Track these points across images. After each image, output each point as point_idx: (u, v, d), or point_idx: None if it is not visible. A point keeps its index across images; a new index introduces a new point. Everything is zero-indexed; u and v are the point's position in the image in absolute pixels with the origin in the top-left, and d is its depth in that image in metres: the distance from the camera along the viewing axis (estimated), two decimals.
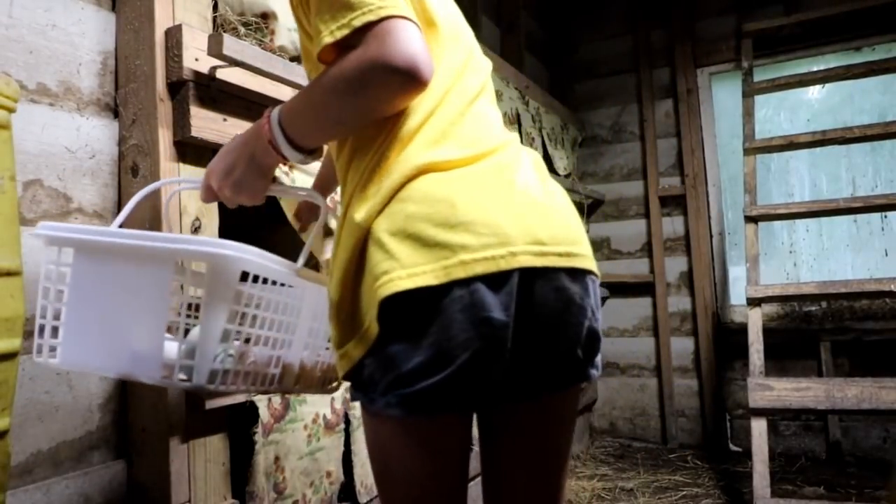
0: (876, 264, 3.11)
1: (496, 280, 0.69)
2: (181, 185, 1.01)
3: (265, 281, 0.81)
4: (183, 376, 0.77)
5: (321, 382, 1.01)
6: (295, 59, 1.63)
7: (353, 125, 0.76)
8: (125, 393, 1.29)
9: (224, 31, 1.38)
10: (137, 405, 1.27)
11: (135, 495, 1.26)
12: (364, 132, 0.77)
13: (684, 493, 2.58)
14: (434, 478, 0.76)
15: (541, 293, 0.72)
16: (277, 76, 1.39)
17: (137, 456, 1.26)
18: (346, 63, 0.69)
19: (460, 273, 0.67)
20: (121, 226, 0.90)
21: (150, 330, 0.74)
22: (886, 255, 3.09)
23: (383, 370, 0.71)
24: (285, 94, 1.50)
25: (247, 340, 0.85)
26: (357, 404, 1.57)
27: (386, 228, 0.71)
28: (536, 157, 0.86)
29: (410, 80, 0.68)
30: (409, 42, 0.68)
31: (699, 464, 2.96)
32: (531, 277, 0.71)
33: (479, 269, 0.68)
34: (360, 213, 0.73)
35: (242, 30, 1.46)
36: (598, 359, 0.81)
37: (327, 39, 0.71)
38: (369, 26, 0.68)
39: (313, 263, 1.24)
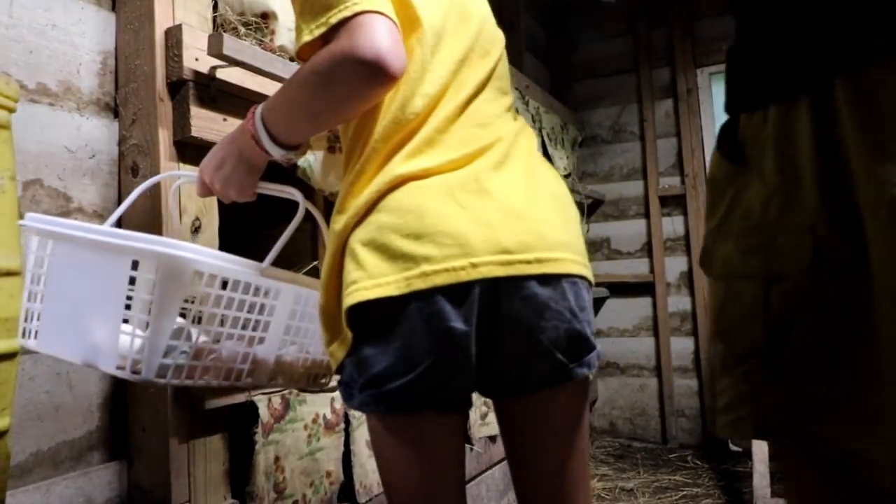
0: None
1: (457, 291, 0.71)
2: (180, 179, 1.02)
3: (227, 281, 0.84)
4: (133, 370, 0.79)
5: (308, 378, 1.04)
6: (294, 58, 1.63)
7: (326, 120, 0.78)
8: (125, 393, 1.29)
9: (224, 31, 1.38)
10: (137, 405, 1.27)
11: (134, 495, 1.26)
12: (353, 145, 0.79)
13: (684, 493, 2.58)
14: (421, 468, 0.78)
15: (507, 301, 0.74)
16: (277, 76, 1.39)
17: (137, 456, 1.26)
18: (318, 58, 0.71)
19: (420, 284, 0.70)
20: (118, 222, 0.92)
21: (108, 322, 0.77)
22: None
23: (359, 371, 0.76)
24: None
25: (216, 339, 0.87)
26: None
27: (360, 238, 0.75)
28: (531, 147, 0.86)
29: (377, 72, 0.69)
30: (377, 35, 0.69)
31: (699, 464, 2.96)
32: (496, 286, 0.73)
33: (440, 280, 0.70)
34: (339, 224, 0.77)
35: (242, 30, 1.46)
36: (591, 357, 0.81)
37: (306, 38, 0.73)
38: (343, 22, 0.70)
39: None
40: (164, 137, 1.27)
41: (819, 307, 0.66)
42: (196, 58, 1.29)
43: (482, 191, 0.76)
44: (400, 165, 0.75)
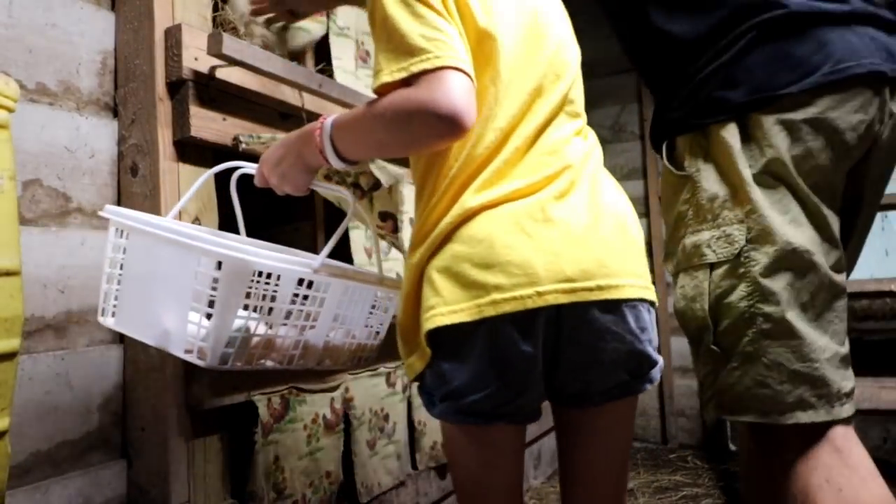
0: (876, 264, 3.11)
1: (524, 317, 0.78)
2: (240, 169, 1.05)
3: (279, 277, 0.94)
4: (199, 357, 0.87)
5: (353, 359, 1.14)
6: (294, 58, 1.63)
7: (392, 152, 0.89)
8: (124, 393, 1.29)
9: (223, 31, 1.37)
10: (136, 406, 1.27)
11: (134, 495, 1.26)
12: (425, 179, 0.86)
13: (684, 493, 2.57)
14: (488, 471, 0.88)
15: (570, 326, 0.81)
16: (277, 75, 1.39)
17: (137, 456, 1.26)
18: (398, 98, 0.77)
19: (491, 311, 0.78)
20: (179, 212, 1.07)
21: (177, 311, 0.85)
22: (887, 255, 3.10)
23: (438, 383, 0.84)
24: (285, 93, 1.50)
25: (269, 326, 0.95)
26: (356, 404, 1.66)
27: (436, 266, 0.82)
28: (598, 169, 0.93)
29: (451, 127, 0.75)
30: (454, 93, 0.74)
31: (699, 464, 2.96)
32: (560, 312, 0.80)
33: (508, 308, 0.77)
34: (415, 257, 0.85)
35: (242, 29, 1.46)
36: (653, 372, 0.91)
37: (386, 78, 0.78)
38: (425, 72, 0.75)
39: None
40: (164, 137, 1.27)
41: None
42: (196, 57, 1.29)
43: (547, 220, 0.81)
44: (471, 198, 0.81)
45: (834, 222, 0.92)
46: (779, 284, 0.88)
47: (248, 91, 1.41)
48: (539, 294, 0.77)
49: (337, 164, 0.87)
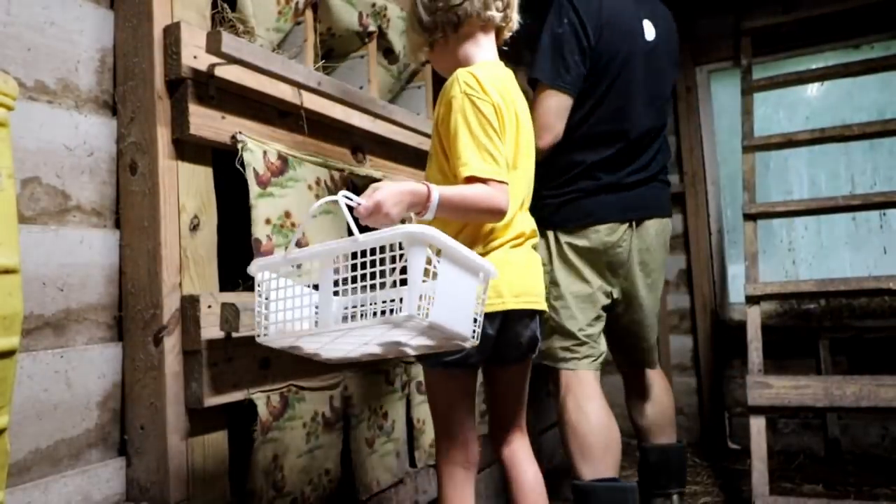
0: (875, 262, 3.11)
1: (494, 315, 1.29)
2: (349, 200, 1.10)
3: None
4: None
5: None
6: (293, 57, 1.63)
7: (466, 220, 1.30)
8: (123, 391, 1.29)
9: (222, 29, 1.37)
10: (136, 403, 1.27)
11: (133, 493, 1.26)
12: (478, 230, 1.32)
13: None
14: (458, 397, 1.38)
15: (512, 320, 1.35)
16: (276, 73, 1.39)
17: (136, 454, 1.27)
18: (484, 194, 1.21)
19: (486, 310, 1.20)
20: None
21: (467, 308, 1.10)
22: (885, 252, 3.10)
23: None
24: (284, 91, 1.50)
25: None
26: (355, 402, 1.67)
27: None
28: (534, 234, 1.43)
29: (499, 216, 1.26)
30: (504, 197, 1.23)
31: (698, 462, 2.97)
32: (510, 313, 1.32)
33: (489, 309, 1.24)
34: None
35: (241, 27, 1.46)
36: (537, 350, 1.45)
37: (467, 172, 1.21)
38: (491, 181, 1.21)
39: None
40: (163, 135, 1.27)
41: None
42: (194, 55, 1.29)
43: (516, 259, 1.34)
44: (494, 243, 1.32)
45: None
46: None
47: (247, 89, 1.41)
48: (503, 303, 1.30)
49: (429, 217, 1.18)
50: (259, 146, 1.42)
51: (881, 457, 2.89)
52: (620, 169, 1.85)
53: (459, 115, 1.23)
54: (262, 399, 1.39)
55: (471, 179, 1.20)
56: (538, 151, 1.54)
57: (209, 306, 1.27)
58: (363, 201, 1.10)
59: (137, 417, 1.27)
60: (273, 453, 1.41)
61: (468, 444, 1.38)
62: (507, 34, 1.45)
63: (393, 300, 1.04)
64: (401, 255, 0.99)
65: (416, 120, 1.91)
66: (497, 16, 1.37)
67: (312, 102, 1.58)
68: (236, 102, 1.40)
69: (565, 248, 1.85)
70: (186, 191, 1.31)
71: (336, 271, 1.05)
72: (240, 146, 1.38)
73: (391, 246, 0.98)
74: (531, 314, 1.37)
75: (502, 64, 1.42)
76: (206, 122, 1.32)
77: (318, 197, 1.53)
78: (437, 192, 1.15)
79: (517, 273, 1.32)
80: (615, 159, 1.85)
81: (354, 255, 1.00)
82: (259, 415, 1.37)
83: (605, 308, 1.90)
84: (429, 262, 1.00)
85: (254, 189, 1.39)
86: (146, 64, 1.28)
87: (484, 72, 1.28)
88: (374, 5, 1.91)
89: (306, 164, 1.55)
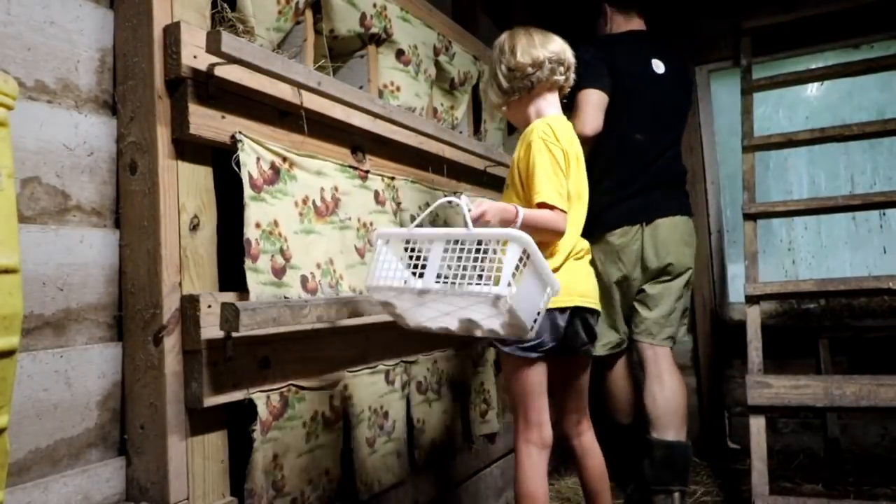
0: (874, 262, 3.11)
1: (564, 309, 1.59)
2: (462, 203, 1.35)
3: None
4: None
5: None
6: (293, 57, 1.63)
7: (534, 235, 1.33)
8: (123, 391, 1.29)
9: (222, 28, 1.37)
10: (135, 403, 1.27)
11: (133, 493, 1.26)
12: (553, 246, 1.60)
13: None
14: (534, 382, 1.59)
15: (578, 317, 1.63)
16: (276, 73, 1.39)
17: (135, 454, 1.27)
18: (551, 217, 1.50)
19: (552, 305, 1.51)
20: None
21: (533, 308, 1.30)
22: (885, 252, 3.10)
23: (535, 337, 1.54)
24: (284, 91, 1.50)
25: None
26: (355, 402, 1.67)
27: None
28: (590, 255, 1.74)
29: (559, 236, 1.55)
30: (564, 223, 1.53)
31: (697, 461, 2.97)
32: (576, 309, 1.61)
33: (562, 304, 1.57)
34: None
35: (241, 27, 1.46)
36: (594, 344, 1.75)
37: (540, 199, 1.51)
38: (556, 208, 1.51)
39: None
40: (163, 135, 1.27)
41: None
42: (194, 55, 1.29)
43: (580, 267, 1.66)
44: (570, 254, 1.62)
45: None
46: None
47: (247, 89, 1.41)
48: (571, 300, 1.59)
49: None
50: (253, 152, 1.41)
51: (881, 456, 2.89)
52: (632, 182, 2.32)
53: (538, 156, 1.54)
54: (262, 399, 1.39)
55: (542, 205, 1.51)
56: (583, 140, 1.81)
57: (209, 306, 1.27)
58: (473, 207, 1.38)
59: (137, 417, 1.27)
60: (273, 453, 1.41)
61: (542, 426, 1.60)
62: (566, 90, 1.75)
63: (480, 284, 1.22)
64: (502, 250, 1.21)
65: (416, 120, 1.91)
66: (560, 79, 1.68)
67: (312, 102, 1.58)
68: (236, 102, 1.40)
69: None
70: (186, 190, 1.31)
71: (445, 251, 1.26)
72: (238, 146, 1.38)
73: (494, 241, 1.22)
74: (591, 311, 1.66)
75: (565, 118, 1.69)
76: (206, 122, 1.31)
77: (301, 215, 1.53)
78: (523, 212, 1.47)
79: (582, 278, 1.64)
80: (626, 175, 2.33)
81: (458, 242, 1.25)
82: (259, 414, 1.37)
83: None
84: (521, 260, 1.21)
85: (248, 190, 1.39)
86: (146, 64, 1.28)
87: (556, 124, 1.61)
88: (374, 5, 1.91)
89: (295, 180, 1.54)
